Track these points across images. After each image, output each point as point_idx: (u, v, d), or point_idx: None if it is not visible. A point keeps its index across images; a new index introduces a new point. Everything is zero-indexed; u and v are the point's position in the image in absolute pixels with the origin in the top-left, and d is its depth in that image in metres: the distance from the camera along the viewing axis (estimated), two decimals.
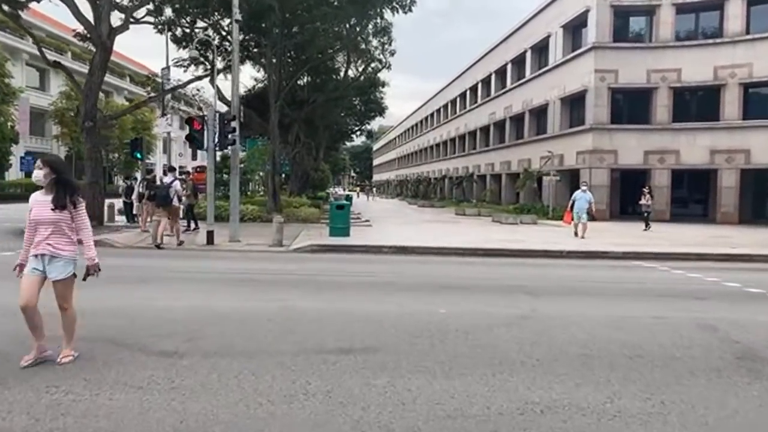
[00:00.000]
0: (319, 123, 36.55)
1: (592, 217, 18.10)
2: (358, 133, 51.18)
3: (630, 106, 31.54)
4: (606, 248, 13.60)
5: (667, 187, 29.84)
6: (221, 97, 25.58)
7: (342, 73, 34.86)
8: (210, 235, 13.50)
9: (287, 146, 32.05)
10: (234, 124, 13.70)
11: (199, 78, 20.92)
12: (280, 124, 32.93)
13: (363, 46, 33.13)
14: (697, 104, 30.26)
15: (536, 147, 37.52)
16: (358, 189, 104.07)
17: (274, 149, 23.63)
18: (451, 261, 11.52)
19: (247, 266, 10.50)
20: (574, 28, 33.70)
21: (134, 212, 18.94)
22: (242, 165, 27.92)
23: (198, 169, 29.40)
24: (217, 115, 13.29)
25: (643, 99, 30.57)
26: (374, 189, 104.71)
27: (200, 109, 35.68)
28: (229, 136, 13.54)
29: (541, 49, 38.36)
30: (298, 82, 34.97)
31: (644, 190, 23.65)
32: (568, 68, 33.20)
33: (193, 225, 17.15)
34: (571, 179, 33.11)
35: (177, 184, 13.88)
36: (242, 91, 34.78)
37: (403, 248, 12.68)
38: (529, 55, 39.45)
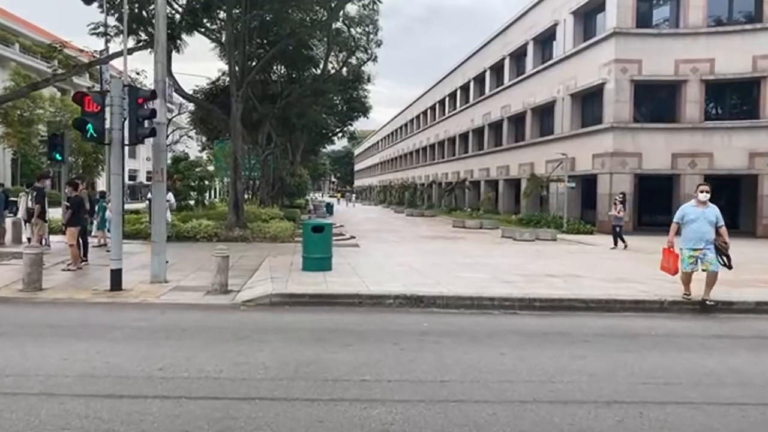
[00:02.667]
0: (295, 122, 31.86)
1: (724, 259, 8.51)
2: (340, 135, 46.48)
3: (655, 102, 27.45)
4: (730, 293, 9.04)
5: None
6: (177, 89, 20.78)
7: (321, 65, 30.27)
8: (116, 277, 8.74)
9: (256, 147, 27.29)
10: (155, 105, 9.00)
11: (131, 51, 16.05)
12: (248, 122, 28.22)
13: (346, 32, 28.68)
14: (733, 100, 26.29)
15: (541, 149, 33.30)
16: (338, 195, 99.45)
17: (235, 150, 18.91)
18: (503, 327, 6.92)
19: (130, 363, 5.71)
20: (587, 14, 29.59)
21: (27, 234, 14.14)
22: (199, 169, 23.13)
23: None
24: (127, 90, 8.58)
25: (670, 94, 26.50)
26: (354, 195, 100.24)
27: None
28: (146, 123, 8.81)
29: (545, 40, 34.24)
30: (271, 74, 30.43)
31: (617, 199, 19.44)
32: (581, 60, 29.04)
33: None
34: (584, 187, 28.94)
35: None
36: (205, 83, 30.10)
37: (417, 299, 8.10)
38: (531, 47, 35.28)
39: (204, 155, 36.25)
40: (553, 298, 8.15)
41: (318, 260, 10.63)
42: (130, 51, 16.01)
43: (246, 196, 38.41)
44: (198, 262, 12.10)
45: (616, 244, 18.08)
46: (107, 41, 16.76)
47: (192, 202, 22.26)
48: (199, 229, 17.93)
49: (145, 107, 8.79)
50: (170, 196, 13.11)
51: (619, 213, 18.48)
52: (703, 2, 25.48)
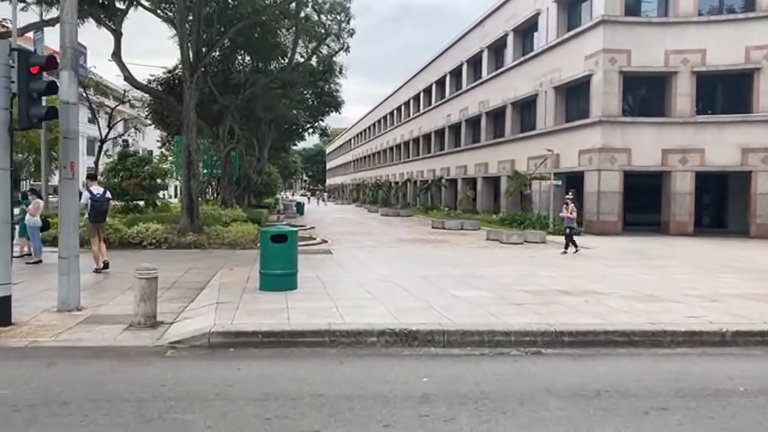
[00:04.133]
0: (261, 115, 29.51)
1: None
2: (311, 130, 44.10)
3: (645, 95, 26.08)
4: None
5: (691, 193, 24.44)
6: (127, 77, 18.24)
7: (290, 54, 27.99)
8: (4, 305, 6.47)
9: (217, 142, 24.90)
10: (61, 79, 6.75)
11: (49, 22, 13.52)
12: (208, 114, 25.82)
13: (316, 18, 26.49)
14: (725, 93, 25.03)
15: (522, 146, 31.71)
16: (309, 194, 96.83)
17: (188, 143, 16.57)
18: (535, 382, 4.88)
19: None
20: (571, 3, 28.03)
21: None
22: (150, 166, 20.62)
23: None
24: (16, 55, 6.31)
25: (660, 86, 25.11)
26: (325, 194, 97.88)
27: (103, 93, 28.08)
28: (43, 99, 6.56)
29: (526, 31, 32.63)
30: (235, 64, 28.01)
31: (567, 198, 17.40)
32: (565, 50, 27.47)
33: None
34: (568, 185, 27.36)
35: None
36: (161, 72, 27.50)
37: (409, 335, 6.04)
38: (511, 38, 33.63)
39: (163, 151, 33.49)
40: (586, 331, 6.22)
41: (279, 277, 8.50)
42: (49, 23, 13.44)
43: (209, 196, 35.98)
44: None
45: (567, 247, 16.07)
46: (23, 8, 14.20)
47: (141, 203, 19.76)
48: (146, 235, 15.56)
49: (42, 79, 6.54)
50: (85, 195, 10.79)
51: (570, 214, 16.54)
52: None
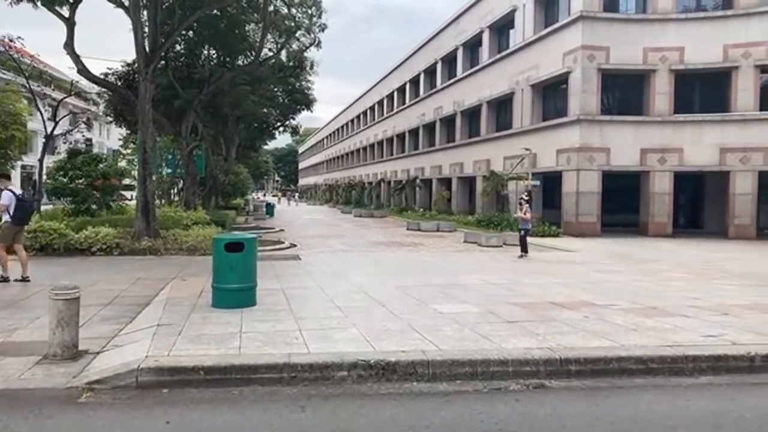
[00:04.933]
0: (228, 112, 28.07)
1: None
2: (281, 129, 42.63)
3: (623, 93, 25.56)
4: None
5: (669, 193, 24.00)
6: (81, 69, 16.65)
7: (257, 48, 26.67)
8: None
9: (179, 140, 23.44)
10: None
11: None
12: (170, 110, 24.33)
13: (285, 10, 25.29)
14: (703, 91, 24.67)
15: (498, 145, 31.01)
16: (279, 194, 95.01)
17: (144, 140, 15.20)
18: (539, 423, 3.92)
19: None
20: None
21: None
22: (103, 165, 19.07)
23: None
24: None
25: (638, 84, 24.62)
26: (296, 194, 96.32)
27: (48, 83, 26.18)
28: None
29: (502, 28, 31.95)
30: (200, 58, 26.56)
31: (522, 198, 16.28)
32: (543, 47, 26.80)
33: None
34: (545, 185, 26.76)
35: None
36: (119, 66, 25.86)
37: (387, 368, 4.99)
38: (486, 36, 32.92)
39: (120, 149, 31.69)
40: (596, 357, 5.24)
41: (234, 293, 7.34)
42: None
43: (175, 198, 34.29)
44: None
45: (524, 251, 15.07)
46: None
47: (94, 206, 18.23)
48: (96, 240, 14.14)
49: None
50: (5, 196, 9.47)
51: (525, 215, 15.41)
52: None
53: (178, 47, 26.25)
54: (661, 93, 23.81)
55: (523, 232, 15.36)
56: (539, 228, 23.50)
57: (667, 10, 23.81)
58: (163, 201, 29.38)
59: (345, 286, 9.45)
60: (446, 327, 6.36)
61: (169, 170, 28.98)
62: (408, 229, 26.25)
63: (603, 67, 23.71)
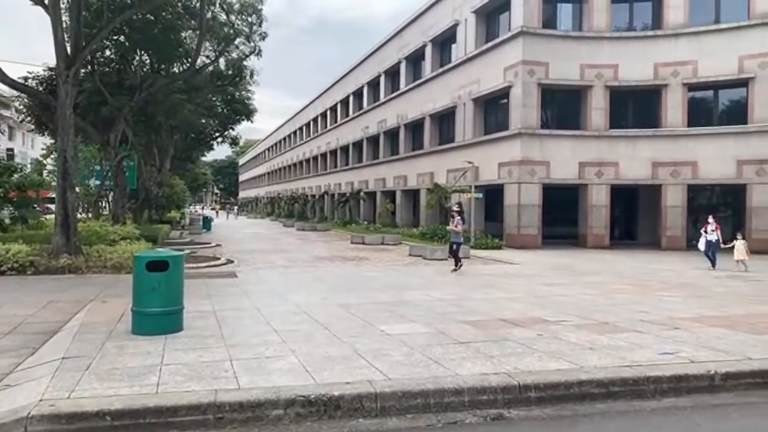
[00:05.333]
0: (162, 121, 26.66)
1: None
2: (220, 139, 41.21)
3: (562, 108, 26.15)
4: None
5: (606, 206, 24.65)
6: None
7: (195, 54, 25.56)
8: None
9: (107, 149, 21.97)
10: None
11: None
12: (97, 118, 22.80)
13: (224, 17, 24.46)
14: (636, 107, 25.60)
15: (441, 158, 31.09)
16: (217, 207, 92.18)
17: (64, 148, 13.94)
18: None
19: None
20: (490, 14, 27.83)
21: None
22: (18, 176, 17.47)
23: None
24: None
25: (576, 100, 25.27)
26: (236, 207, 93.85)
27: None
28: None
29: (445, 42, 32.20)
30: (134, 63, 25.13)
31: (453, 210, 15.98)
32: (484, 62, 27.12)
33: None
34: (487, 198, 26.90)
35: None
36: (41, 70, 24.04)
37: (330, 403, 4.41)
38: (429, 49, 33.10)
39: (40, 159, 29.51)
40: (556, 383, 4.85)
41: (158, 317, 6.54)
42: None
43: (101, 211, 32.24)
44: None
45: (456, 265, 14.63)
46: None
47: (7, 220, 16.62)
48: (6, 258, 12.76)
49: None
50: None
51: (456, 227, 14.94)
52: (606, 5, 24.51)
53: (108, 52, 24.83)
54: (598, 108, 24.52)
55: (455, 246, 14.88)
56: (482, 240, 23.57)
57: (602, 29, 24.62)
58: (89, 214, 27.49)
59: (284, 306, 8.76)
60: (395, 351, 5.84)
61: (97, 182, 27.19)
62: (352, 242, 25.68)
63: (543, 82, 24.18)
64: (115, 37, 23.05)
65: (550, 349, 6.02)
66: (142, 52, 24.90)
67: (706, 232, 16.78)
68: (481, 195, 25.05)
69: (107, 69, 24.66)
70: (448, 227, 16.54)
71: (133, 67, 25.20)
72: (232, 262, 16.48)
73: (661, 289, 11.43)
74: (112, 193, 28.73)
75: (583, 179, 24.58)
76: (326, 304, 8.93)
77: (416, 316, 7.88)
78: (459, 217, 15.22)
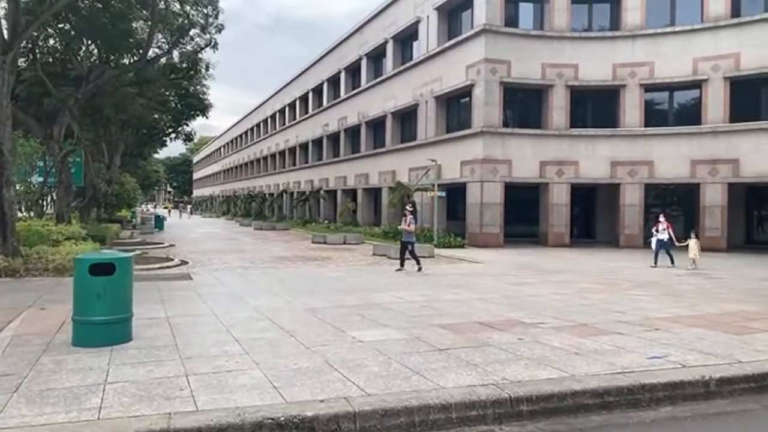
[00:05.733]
0: (111, 115, 25.26)
1: None
2: (174, 135, 39.59)
3: (524, 107, 26.22)
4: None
5: (567, 205, 24.85)
6: None
7: (146, 44, 24.27)
8: None
9: (51, 144, 20.58)
10: None
11: None
12: (40, 110, 21.40)
13: (178, 7, 23.33)
14: (596, 107, 25.90)
15: (403, 157, 30.77)
16: (170, 206, 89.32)
17: (0, 141, 12.78)
18: None
19: None
20: (452, 12, 27.66)
21: None
22: None
23: None
24: None
25: (537, 99, 25.39)
26: (189, 206, 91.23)
27: None
28: None
29: (406, 39, 31.86)
30: (81, 53, 23.69)
31: (406, 209, 15.10)
32: (446, 59, 26.92)
33: None
34: (449, 196, 26.70)
35: None
36: None
37: (302, 425, 3.89)
38: (390, 46, 32.72)
39: None
40: (549, 394, 4.47)
41: (102, 327, 5.84)
42: None
43: (45, 210, 30.41)
44: None
45: (403, 265, 14.07)
46: None
47: None
48: None
49: None
50: None
51: (409, 227, 14.14)
52: (567, 5, 24.69)
53: (52, 41, 23.37)
54: (558, 108, 24.67)
55: (409, 246, 14.09)
56: (445, 239, 23.37)
57: (563, 29, 24.78)
58: (32, 213, 25.82)
59: (245, 311, 8.13)
60: (370, 361, 5.34)
61: (40, 178, 25.55)
62: (313, 242, 25.01)
63: (505, 80, 24.13)
64: (60, 25, 21.65)
65: (535, 355, 5.66)
66: (89, 42, 23.52)
67: (657, 231, 16.74)
68: (444, 193, 24.84)
69: (51, 59, 23.20)
70: (399, 226, 15.73)
71: (79, 57, 23.78)
72: (186, 263, 15.60)
73: (630, 287, 11.35)
74: (56, 191, 27.11)
75: (545, 178, 24.70)
76: (291, 309, 8.35)
77: (388, 320, 7.41)
78: (411, 216, 14.45)
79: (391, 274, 13.52)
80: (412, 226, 14.34)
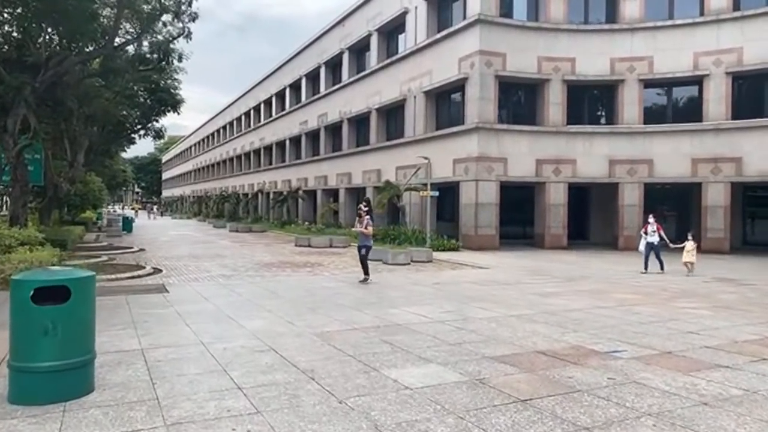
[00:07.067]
0: (74, 107, 23.05)
1: None
2: (143, 132, 37.20)
3: (519, 102, 24.98)
4: None
5: (564, 205, 23.68)
6: None
7: (113, 30, 22.11)
8: None
9: (5, 137, 18.39)
10: None
11: None
12: None
13: None
14: (593, 103, 24.85)
15: (389, 154, 29.25)
16: (137, 207, 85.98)
17: None
18: None
19: None
20: (442, 2, 26.27)
21: None
22: None
23: None
24: None
25: (533, 93, 24.19)
26: (156, 206, 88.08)
27: None
28: None
29: (392, 31, 30.37)
30: (40, 40, 21.47)
31: (361, 208, 13.07)
32: (437, 52, 25.51)
33: None
34: (438, 196, 25.26)
35: None
36: None
37: None
38: (375, 39, 31.16)
39: None
40: None
41: (53, 376, 4.16)
42: None
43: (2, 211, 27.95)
44: None
45: (366, 273, 12.15)
46: None
47: None
48: None
49: None
50: None
51: (366, 229, 12.23)
52: None
53: (7, 27, 21.15)
54: (555, 103, 23.50)
55: (363, 251, 12.14)
56: (438, 242, 21.91)
57: (559, 20, 23.63)
58: None
59: (240, 338, 6.48)
60: (437, 425, 3.80)
61: None
62: (297, 245, 23.28)
63: (500, 74, 22.83)
64: (16, 11, 19.51)
65: (651, 407, 4.20)
66: (49, 28, 21.32)
67: (646, 233, 15.31)
68: (437, 193, 23.35)
69: (5, 47, 20.98)
70: (354, 228, 13.78)
71: (38, 44, 21.56)
72: (159, 271, 13.77)
73: (670, 297, 10.08)
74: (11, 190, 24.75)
75: (541, 177, 23.49)
76: (296, 333, 6.74)
77: (426, 351, 5.87)
78: (368, 217, 12.45)
79: (397, 282, 11.99)
80: (370, 229, 12.40)
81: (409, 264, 16.31)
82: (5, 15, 20.24)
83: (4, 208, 26.58)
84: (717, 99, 22.37)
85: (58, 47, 21.47)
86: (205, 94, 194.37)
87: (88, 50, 22.15)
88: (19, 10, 19.74)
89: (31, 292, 4.15)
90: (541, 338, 6.51)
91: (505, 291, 10.86)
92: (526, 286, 11.67)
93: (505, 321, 7.61)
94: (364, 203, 14.75)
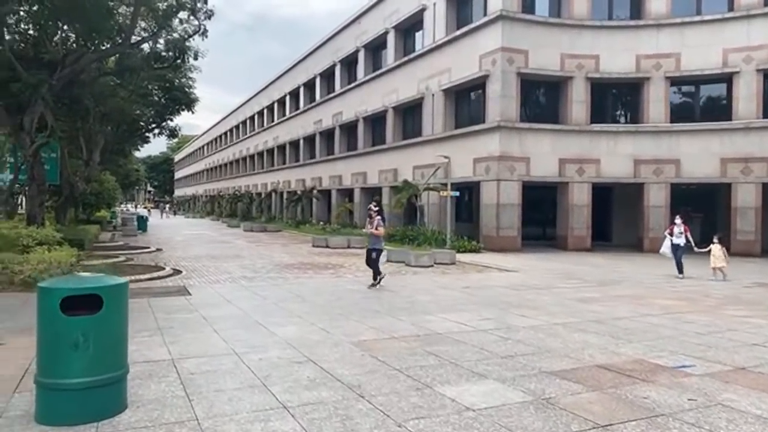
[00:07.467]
0: (90, 106, 22.87)
1: None
2: (157, 131, 37.04)
3: (541, 100, 24.45)
4: None
5: (588, 206, 23.10)
6: None
7: (129, 27, 21.87)
8: None
9: (22, 135, 18.21)
10: None
11: None
12: (10, 98, 18.98)
13: None
14: (618, 101, 24.25)
15: (406, 154, 28.82)
16: (150, 206, 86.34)
17: None
18: None
19: None
20: None
21: None
22: None
23: None
24: None
25: (555, 91, 23.63)
26: (168, 205, 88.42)
27: None
28: None
29: (409, 29, 29.93)
30: (56, 37, 21.29)
31: (372, 209, 12.20)
32: (456, 49, 25.02)
33: None
34: (461, 196, 24.84)
35: None
36: None
37: None
38: (392, 37, 30.72)
39: None
40: None
41: (84, 393, 3.78)
42: None
43: (17, 209, 27.86)
44: None
45: (376, 278, 11.50)
46: None
47: None
48: None
49: None
50: None
51: (377, 230, 11.61)
52: None
53: (23, 25, 21.04)
54: (578, 101, 22.93)
55: (375, 254, 11.50)
56: (458, 243, 21.42)
57: (583, 16, 23.05)
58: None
59: (274, 347, 6.09)
60: None
61: (11, 175, 23.07)
62: (314, 245, 22.91)
63: (522, 71, 22.31)
64: (33, 8, 19.32)
65: None
66: (65, 25, 21.12)
67: (671, 234, 14.50)
68: (458, 193, 22.89)
69: (22, 45, 20.84)
70: (364, 230, 13.17)
71: (54, 42, 21.37)
72: (179, 272, 13.44)
73: (717, 305, 9.56)
74: (28, 189, 24.63)
75: (564, 177, 22.92)
76: (334, 342, 6.33)
77: (478, 365, 5.43)
78: (379, 218, 11.83)
79: (424, 286, 11.56)
80: (381, 230, 11.79)
81: (432, 266, 15.86)
82: (22, 12, 20.10)
83: (21, 207, 26.46)
84: (747, 97, 21.69)
85: (74, 45, 21.30)
86: (214, 94, 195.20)
87: (104, 48, 21.96)
88: (35, 8, 19.55)
89: (60, 301, 3.77)
90: (597, 350, 6.05)
91: (540, 296, 10.38)
92: (561, 291, 11.18)
93: (552, 330, 7.15)
94: (374, 203, 14.26)
